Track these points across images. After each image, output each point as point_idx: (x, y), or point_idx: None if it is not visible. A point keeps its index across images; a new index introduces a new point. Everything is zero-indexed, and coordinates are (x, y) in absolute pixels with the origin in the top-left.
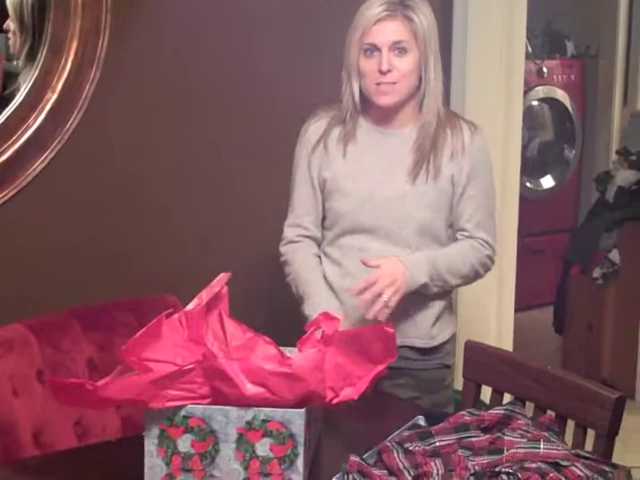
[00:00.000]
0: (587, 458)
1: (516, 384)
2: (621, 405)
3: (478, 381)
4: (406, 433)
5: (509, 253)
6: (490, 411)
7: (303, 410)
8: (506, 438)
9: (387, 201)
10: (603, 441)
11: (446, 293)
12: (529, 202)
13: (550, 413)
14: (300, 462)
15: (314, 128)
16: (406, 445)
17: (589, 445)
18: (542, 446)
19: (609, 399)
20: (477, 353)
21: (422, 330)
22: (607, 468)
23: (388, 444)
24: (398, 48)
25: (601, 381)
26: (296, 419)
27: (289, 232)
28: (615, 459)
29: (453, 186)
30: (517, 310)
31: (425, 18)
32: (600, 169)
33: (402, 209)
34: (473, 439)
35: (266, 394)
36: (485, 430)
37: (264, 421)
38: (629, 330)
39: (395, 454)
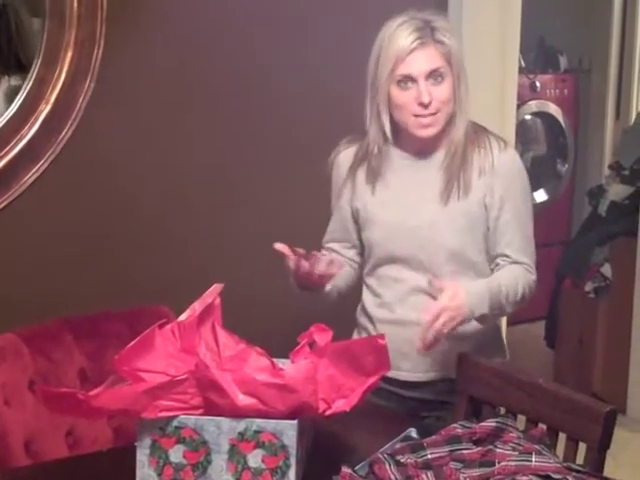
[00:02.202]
0: (578, 471)
1: (508, 397)
2: (612, 418)
3: (470, 394)
4: (398, 445)
5: None
6: (482, 424)
7: (295, 421)
8: (498, 451)
9: (416, 229)
10: (594, 454)
11: (487, 325)
12: None
13: (542, 426)
14: (292, 473)
15: (343, 158)
16: (398, 457)
17: (580, 458)
18: (534, 459)
19: (600, 412)
20: (469, 366)
21: None
22: None
23: (380, 456)
24: (434, 76)
25: (592, 395)
26: (288, 430)
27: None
28: (606, 473)
29: (486, 209)
30: (509, 324)
31: (453, 37)
32: (593, 183)
33: (431, 236)
34: (465, 451)
35: (258, 405)
36: (477, 443)
37: (256, 432)
38: (620, 344)
39: (387, 466)
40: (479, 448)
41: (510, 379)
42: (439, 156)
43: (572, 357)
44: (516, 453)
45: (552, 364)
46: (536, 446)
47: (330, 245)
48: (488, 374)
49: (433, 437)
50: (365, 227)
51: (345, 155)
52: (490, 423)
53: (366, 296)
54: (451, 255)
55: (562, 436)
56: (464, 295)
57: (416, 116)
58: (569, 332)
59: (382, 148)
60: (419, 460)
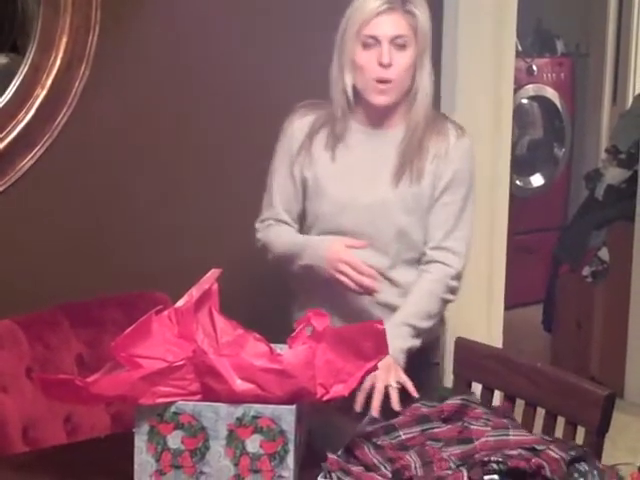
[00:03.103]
0: (551, 441)
1: (506, 381)
2: (611, 402)
3: (468, 378)
4: (369, 428)
5: (499, 251)
6: (447, 402)
7: (294, 406)
8: (472, 427)
9: (368, 206)
10: (593, 438)
11: None
12: (519, 200)
13: (505, 401)
14: (290, 459)
15: (299, 125)
16: (374, 440)
17: (579, 442)
18: (511, 433)
19: (599, 396)
20: (467, 350)
21: None
22: (573, 452)
23: (358, 440)
24: (398, 42)
25: (590, 379)
26: (287, 415)
27: (263, 225)
28: (604, 457)
29: (433, 189)
30: (506, 308)
31: (424, 13)
32: (589, 167)
33: (382, 214)
34: (436, 430)
35: (256, 390)
36: (445, 421)
37: (254, 417)
38: (618, 328)
39: (366, 450)
40: (449, 426)
41: (508, 363)
42: (396, 134)
43: (570, 341)
44: (488, 429)
45: (549, 348)
46: (504, 420)
47: (282, 217)
48: (486, 358)
49: (401, 418)
50: (312, 198)
51: (301, 123)
52: (455, 401)
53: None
54: (399, 234)
55: (560, 420)
56: None
57: (375, 80)
58: (566, 316)
59: (346, 112)
60: (394, 442)
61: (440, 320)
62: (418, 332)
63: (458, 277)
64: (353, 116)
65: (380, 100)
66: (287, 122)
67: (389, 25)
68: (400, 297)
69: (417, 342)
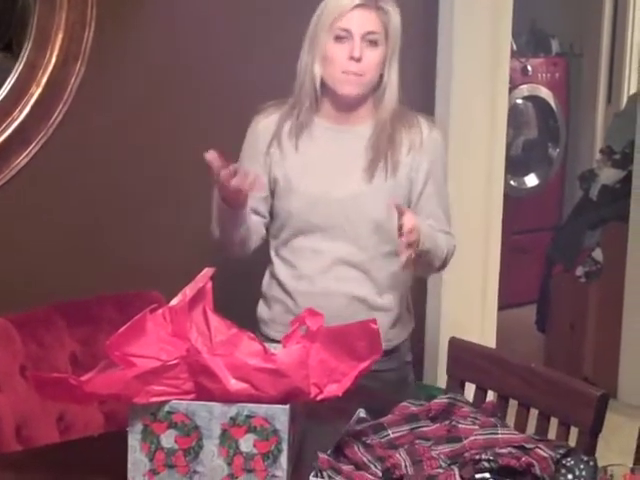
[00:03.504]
0: (539, 440)
1: (500, 381)
2: (604, 403)
3: (462, 378)
4: (358, 427)
5: (493, 251)
6: (435, 400)
7: (287, 406)
8: (460, 426)
9: (341, 201)
10: (586, 439)
11: (403, 297)
12: (513, 200)
13: (491, 399)
14: (284, 458)
15: (264, 125)
16: (363, 439)
17: (572, 443)
18: (500, 432)
19: (592, 397)
20: (461, 350)
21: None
22: (561, 451)
23: (347, 439)
24: (370, 39)
25: (583, 379)
26: (280, 415)
27: None
28: (598, 457)
29: (410, 182)
30: (500, 308)
31: (396, 13)
32: (584, 167)
33: (357, 209)
34: (425, 428)
35: (250, 390)
36: (433, 419)
37: (248, 417)
38: (611, 329)
39: (356, 449)
40: (437, 425)
41: (502, 363)
42: (364, 131)
43: (563, 341)
44: (476, 427)
45: (543, 348)
46: (492, 419)
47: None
48: (480, 358)
49: (389, 416)
50: (282, 196)
51: (265, 124)
52: (442, 400)
53: (279, 268)
54: (376, 227)
55: (554, 421)
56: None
57: (344, 73)
58: (560, 316)
59: (313, 103)
60: (383, 440)
61: (410, 319)
62: (430, 251)
63: (452, 255)
64: (319, 112)
65: (347, 90)
66: (253, 123)
67: (363, 20)
68: (376, 293)
69: (420, 262)
